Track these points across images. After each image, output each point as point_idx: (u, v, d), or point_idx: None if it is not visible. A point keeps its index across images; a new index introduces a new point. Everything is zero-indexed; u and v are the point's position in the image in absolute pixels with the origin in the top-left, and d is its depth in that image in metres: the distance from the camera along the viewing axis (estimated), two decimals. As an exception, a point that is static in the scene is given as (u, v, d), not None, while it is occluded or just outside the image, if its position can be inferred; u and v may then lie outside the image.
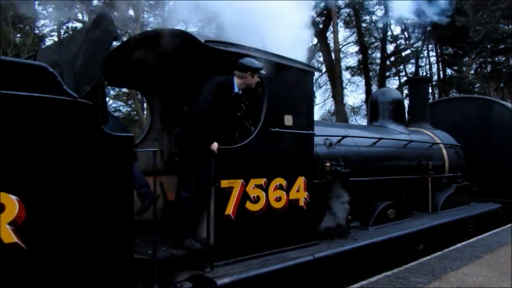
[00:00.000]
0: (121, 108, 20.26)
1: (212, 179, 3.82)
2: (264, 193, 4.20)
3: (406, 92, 19.49)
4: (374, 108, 7.96)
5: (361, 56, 23.33)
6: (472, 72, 22.63)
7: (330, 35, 18.77)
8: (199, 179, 3.91)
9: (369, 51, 23.87)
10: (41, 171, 2.64)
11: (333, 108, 22.10)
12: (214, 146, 3.81)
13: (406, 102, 10.13)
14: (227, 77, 4.06)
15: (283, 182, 4.40)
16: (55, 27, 18.37)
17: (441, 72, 23.35)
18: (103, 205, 2.94)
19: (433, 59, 24.01)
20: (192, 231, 3.96)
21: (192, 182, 3.92)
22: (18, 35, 15.23)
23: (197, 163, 3.90)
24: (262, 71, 4.08)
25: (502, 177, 9.00)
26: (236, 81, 4.04)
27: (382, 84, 21.60)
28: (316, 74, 4.97)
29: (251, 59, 4.04)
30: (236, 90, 4.07)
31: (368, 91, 21.91)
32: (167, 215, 4.75)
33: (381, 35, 23.03)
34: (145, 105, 17.43)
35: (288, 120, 4.49)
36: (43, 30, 18.48)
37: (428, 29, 19.30)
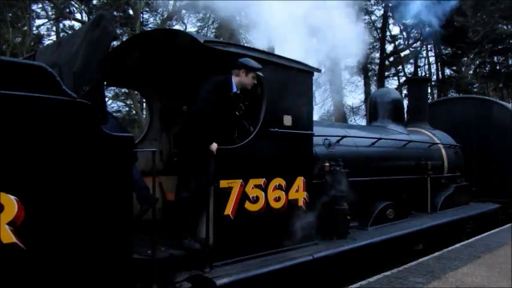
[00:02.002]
0: (120, 108, 20.27)
1: (211, 179, 3.81)
2: (263, 193, 4.20)
3: (405, 92, 19.51)
4: (373, 108, 7.97)
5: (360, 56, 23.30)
6: (471, 72, 22.65)
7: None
8: (198, 179, 3.91)
9: (368, 51, 23.87)
10: (40, 171, 2.64)
11: (332, 108, 22.10)
12: (214, 146, 3.80)
13: (405, 103, 10.14)
14: (225, 77, 4.06)
15: (283, 182, 4.40)
16: (53, 26, 18.38)
17: (440, 72, 23.39)
18: (102, 205, 2.93)
19: (432, 59, 24.06)
20: (192, 231, 3.96)
21: (191, 182, 3.92)
22: (18, 36, 15.20)
23: (196, 163, 3.90)
24: (260, 73, 4.07)
25: (500, 177, 9.00)
26: (234, 80, 4.05)
27: (381, 84, 21.61)
28: (316, 73, 4.97)
29: (249, 59, 4.04)
30: (234, 89, 4.07)
31: (367, 91, 21.92)
32: (166, 215, 4.75)
33: (379, 35, 23.04)
34: (144, 105, 17.42)
35: (287, 120, 4.49)
36: (41, 30, 18.49)
37: (428, 29, 19.34)
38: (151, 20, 18.65)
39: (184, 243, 3.81)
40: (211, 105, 3.84)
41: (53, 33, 18.53)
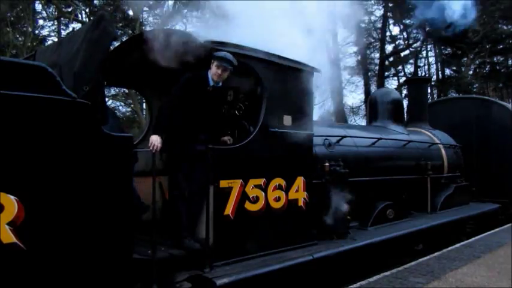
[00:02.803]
0: (120, 108, 20.26)
1: (206, 178, 3.80)
2: (263, 193, 4.21)
3: (405, 92, 19.51)
4: (373, 108, 7.97)
5: (359, 56, 23.33)
6: (471, 72, 22.64)
7: (329, 34, 18.72)
8: (191, 179, 3.89)
9: (368, 52, 23.87)
10: (40, 171, 2.64)
11: (332, 108, 22.07)
12: (153, 138, 3.64)
13: (405, 103, 10.14)
14: (199, 72, 4.02)
15: (282, 182, 4.41)
16: (54, 27, 18.39)
17: (440, 72, 23.39)
18: (102, 205, 2.94)
19: (432, 59, 24.06)
20: (191, 231, 3.95)
21: (181, 181, 3.90)
22: (19, 37, 15.18)
23: (178, 162, 3.89)
24: (226, 64, 3.91)
25: (500, 177, 9.00)
26: (210, 73, 4.02)
27: (381, 84, 21.61)
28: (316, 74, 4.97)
29: (225, 52, 3.96)
30: (211, 83, 4.01)
31: (367, 91, 21.91)
32: (166, 215, 4.75)
33: (379, 35, 23.04)
34: (144, 105, 17.43)
35: (287, 120, 4.49)
36: (42, 31, 18.49)
37: (428, 29, 19.36)
38: (150, 19, 18.65)
39: (184, 242, 3.81)
40: (178, 102, 3.85)
41: (54, 34, 18.55)
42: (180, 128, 3.88)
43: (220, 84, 4.08)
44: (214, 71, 3.97)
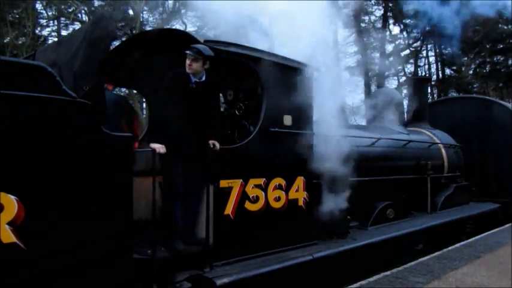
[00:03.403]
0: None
1: (205, 177, 3.79)
2: (263, 193, 4.20)
3: (405, 92, 19.50)
4: (373, 108, 7.96)
5: (360, 56, 23.30)
6: (471, 72, 22.64)
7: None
8: (189, 178, 3.86)
9: (368, 51, 23.83)
10: (40, 171, 2.64)
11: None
12: (153, 146, 3.57)
13: (405, 103, 10.13)
14: (181, 69, 3.90)
15: (283, 182, 4.40)
16: (55, 27, 18.39)
17: (440, 72, 23.39)
18: (102, 205, 2.94)
19: (432, 59, 24.06)
20: (188, 231, 3.91)
21: (177, 181, 3.83)
22: (20, 37, 15.15)
23: (184, 162, 3.87)
24: (193, 54, 3.78)
25: (500, 177, 9.00)
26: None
27: (381, 84, 21.59)
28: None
29: (201, 45, 3.87)
30: (193, 79, 3.88)
31: (367, 91, 21.90)
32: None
33: (379, 35, 23.02)
34: (144, 105, 17.43)
35: (287, 120, 4.49)
36: (43, 31, 18.48)
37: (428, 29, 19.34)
38: (151, 19, 18.63)
39: (175, 244, 3.73)
40: (166, 102, 3.80)
41: (54, 34, 18.54)
42: (172, 128, 3.82)
43: (204, 78, 3.93)
44: (188, 62, 3.83)
